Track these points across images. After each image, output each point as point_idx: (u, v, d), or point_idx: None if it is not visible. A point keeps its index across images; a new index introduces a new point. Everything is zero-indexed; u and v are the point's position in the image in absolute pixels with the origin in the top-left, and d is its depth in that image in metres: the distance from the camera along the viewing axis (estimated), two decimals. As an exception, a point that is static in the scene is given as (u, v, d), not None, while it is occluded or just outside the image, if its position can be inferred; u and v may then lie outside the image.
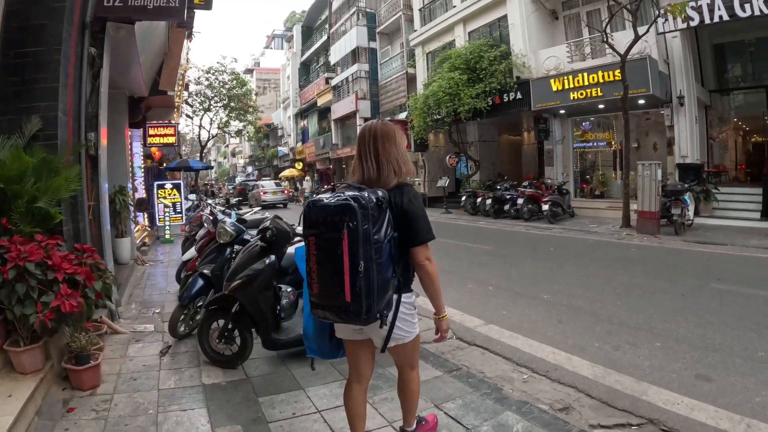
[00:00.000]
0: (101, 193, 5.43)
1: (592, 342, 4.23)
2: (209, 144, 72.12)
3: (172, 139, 10.88)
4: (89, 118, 4.94)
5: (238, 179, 46.06)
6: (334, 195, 2.00)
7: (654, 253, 8.58)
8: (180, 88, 11.37)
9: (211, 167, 30.18)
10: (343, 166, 31.63)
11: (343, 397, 2.37)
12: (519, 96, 15.73)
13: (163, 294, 6.37)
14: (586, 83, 13.72)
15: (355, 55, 27.63)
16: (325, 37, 33.47)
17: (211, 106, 27.45)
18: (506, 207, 14.51)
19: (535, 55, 15.78)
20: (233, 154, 67.74)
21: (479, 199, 15.62)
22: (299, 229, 3.33)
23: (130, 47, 5.92)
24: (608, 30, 12.02)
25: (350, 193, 1.96)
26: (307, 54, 38.24)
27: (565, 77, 14.27)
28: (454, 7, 19.11)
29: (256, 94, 31.45)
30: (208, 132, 29.13)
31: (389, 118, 24.12)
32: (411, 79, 23.16)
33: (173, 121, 10.91)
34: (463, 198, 16.68)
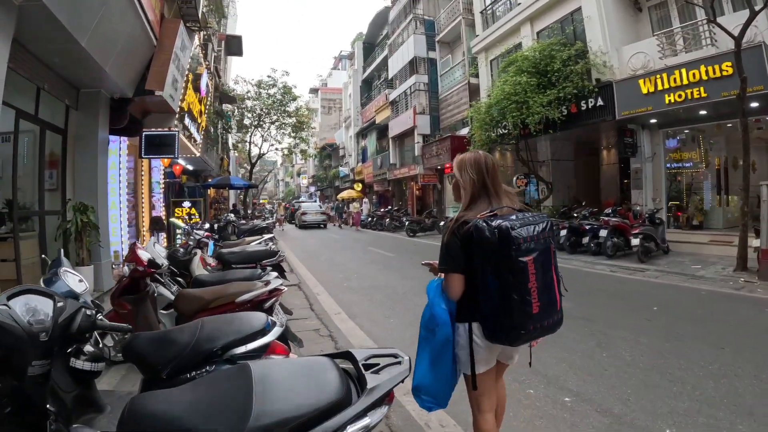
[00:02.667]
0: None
1: None
2: (278, 163, 73.59)
3: (171, 150, 9.21)
4: None
5: (302, 199, 45.34)
6: (523, 218, 2.14)
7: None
8: (188, 91, 9.64)
9: (255, 186, 28.62)
10: (404, 188, 29.48)
11: (482, 423, 2.35)
12: (600, 102, 12.85)
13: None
14: (685, 82, 10.76)
15: (413, 66, 25.56)
16: (385, 53, 31.78)
17: (262, 123, 26.10)
18: (585, 240, 11.66)
19: (618, 52, 12.91)
20: (298, 174, 67.94)
21: (552, 230, 12.74)
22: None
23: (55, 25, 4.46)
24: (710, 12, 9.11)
25: (528, 214, 2.21)
26: (368, 71, 36.80)
27: (657, 76, 11.33)
28: (519, 4, 16.56)
29: (308, 109, 29.78)
30: (259, 149, 27.96)
31: (449, 135, 22.03)
32: (473, 91, 20.76)
33: (173, 129, 9.14)
34: None
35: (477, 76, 20.39)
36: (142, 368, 2.40)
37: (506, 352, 2.35)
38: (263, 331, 2.45)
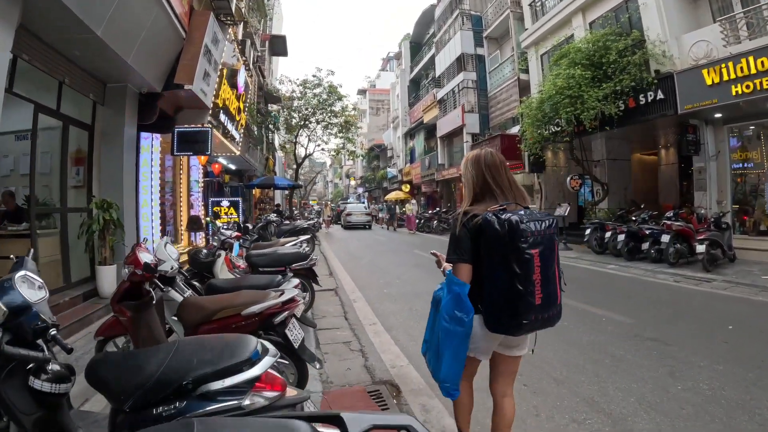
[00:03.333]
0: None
1: None
2: (327, 165, 74.29)
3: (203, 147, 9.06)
4: None
5: (350, 200, 45.37)
6: (531, 214, 2.21)
7: None
8: (222, 86, 9.49)
9: (299, 186, 28.23)
10: (452, 189, 28.76)
11: (461, 398, 2.49)
12: (660, 96, 11.82)
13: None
14: (753, 71, 9.66)
15: (460, 63, 24.86)
16: (432, 51, 31.19)
17: (308, 123, 25.99)
18: (644, 246, 10.66)
19: (678, 41, 11.81)
20: (347, 176, 68.24)
21: (608, 234, 11.82)
22: None
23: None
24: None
25: (536, 212, 2.30)
26: (415, 70, 36.31)
27: (722, 65, 10.23)
28: (571, -6, 15.58)
29: (354, 109, 29.33)
30: (305, 149, 27.93)
31: (499, 133, 21.17)
32: (524, 88, 19.91)
33: (207, 125, 8.94)
34: (588, 231, 12.81)
35: (527, 71, 19.51)
36: (106, 396, 2.02)
37: (506, 342, 2.40)
38: (249, 362, 1.97)
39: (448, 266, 2.39)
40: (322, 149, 29.15)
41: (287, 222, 14.44)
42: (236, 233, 7.45)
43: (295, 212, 29.93)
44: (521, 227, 2.09)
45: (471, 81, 24.40)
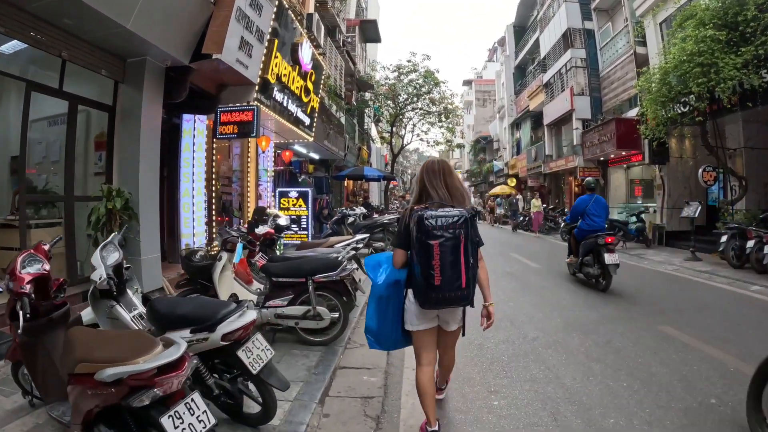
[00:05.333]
0: None
1: None
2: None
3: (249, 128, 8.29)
4: None
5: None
6: (442, 211, 2.68)
7: None
8: (273, 59, 8.72)
9: (392, 177, 26.65)
10: (562, 183, 26.03)
11: (419, 380, 3.00)
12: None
13: None
14: None
15: (566, 39, 22.19)
16: (537, 33, 28.53)
17: (403, 111, 24.78)
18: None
19: None
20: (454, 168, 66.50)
21: (750, 243, 9.14)
22: None
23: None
24: None
25: (457, 209, 2.71)
26: (520, 55, 33.65)
27: None
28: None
29: (452, 95, 27.37)
30: (402, 139, 26.85)
31: (613, 118, 18.34)
32: (641, 63, 17.02)
33: (252, 103, 8.14)
34: (724, 238, 10.08)
35: (644, 44, 16.77)
36: None
37: (442, 317, 2.97)
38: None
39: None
40: (421, 139, 27.85)
41: (377, 216, 13.41)
42: (255, 232, 6.47)
43: (395, 206, 29.08)
44: (425, 222, 2.63)
45: (580, 59, 21.63)
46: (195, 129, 8.07)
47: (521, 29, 34.57)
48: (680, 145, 15.48)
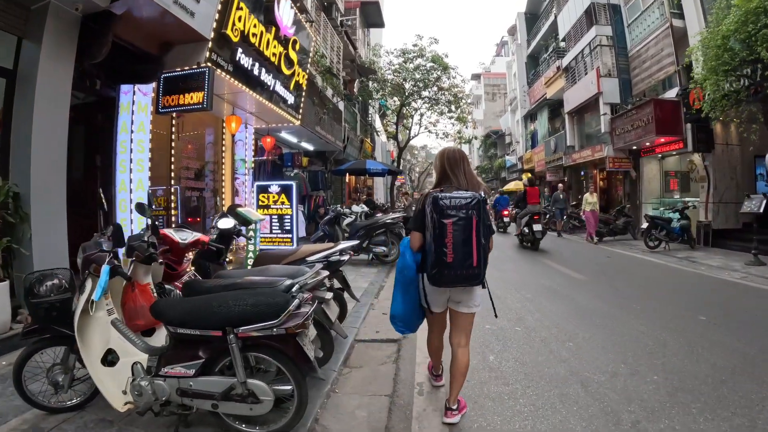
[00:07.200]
0: None
1: None
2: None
3: (199, 97, 6.03)
4: None
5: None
6: (457, 193, 2.80)
7: None
8: (236, 11, 6.74)
9: (398, 172, 23.68)
10: (586, 177, 23.76)
11: (430, 340, 3.34)
12: None
13: None
14: None
15: (590, 16, 19.94)
16: (551, 19, 26.27)
17: (408, 101, 22.54)
18: None
19: None
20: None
21: None
22: None
23: None
24: None
25: (471, 192, 2.82)
26: (533, 44, 31.42)
27: None
28: None
29: (462, 81, 24.94)
30: (409, 130, 24.73)
31: (651, 99, 16.06)
32: (679, 38, 14.85)
33: (204, 65, 6.13)
34: None
35: (681, 16, 14.63)
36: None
37: (454, 299, 3.04)
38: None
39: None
40: (429, 131, 25.63)
41: (379, 215, 11.25)
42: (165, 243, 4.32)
43: (403, 203, 27.00)
44: (440, 203, 2.75)
45: (606, 37, 19.38)
46: (135, 104, 6.02)
47: (533, 16, 32.37)
48: (725, 131, 13.30)
